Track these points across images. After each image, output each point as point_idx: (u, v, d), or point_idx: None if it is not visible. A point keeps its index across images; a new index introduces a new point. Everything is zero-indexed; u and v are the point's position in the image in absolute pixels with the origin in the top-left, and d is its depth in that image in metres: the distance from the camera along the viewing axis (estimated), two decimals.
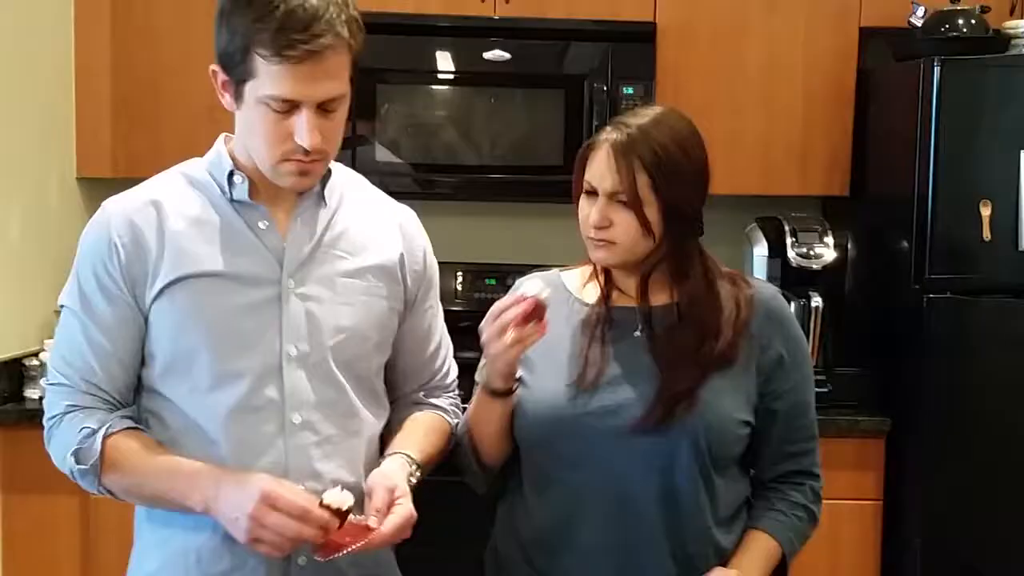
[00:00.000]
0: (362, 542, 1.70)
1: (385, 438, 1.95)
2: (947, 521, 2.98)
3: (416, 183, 3.35)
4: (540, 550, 1.93)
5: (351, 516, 1.74)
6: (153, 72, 3.31)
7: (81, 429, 1.79)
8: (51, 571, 3.07)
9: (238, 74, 1.73)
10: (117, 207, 1.84)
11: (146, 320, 1.80)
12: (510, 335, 1.79)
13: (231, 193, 1.83)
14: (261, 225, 1.83)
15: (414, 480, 1.84)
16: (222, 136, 1.89)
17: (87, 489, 1.83)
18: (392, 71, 3.27)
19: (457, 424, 2.04)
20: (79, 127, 3.35)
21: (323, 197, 1.87)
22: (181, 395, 1.80)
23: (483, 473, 2.00)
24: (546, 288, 1.81)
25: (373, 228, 1.92)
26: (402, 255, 1.93)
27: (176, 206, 1.83)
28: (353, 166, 3.21)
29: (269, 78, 1.70)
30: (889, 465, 3.10)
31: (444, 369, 2.07)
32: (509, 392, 1.90)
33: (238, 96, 1.76)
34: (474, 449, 1.98)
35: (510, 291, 1.96)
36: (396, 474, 1.82)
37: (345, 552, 1.70)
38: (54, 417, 1.83)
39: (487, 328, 1.82)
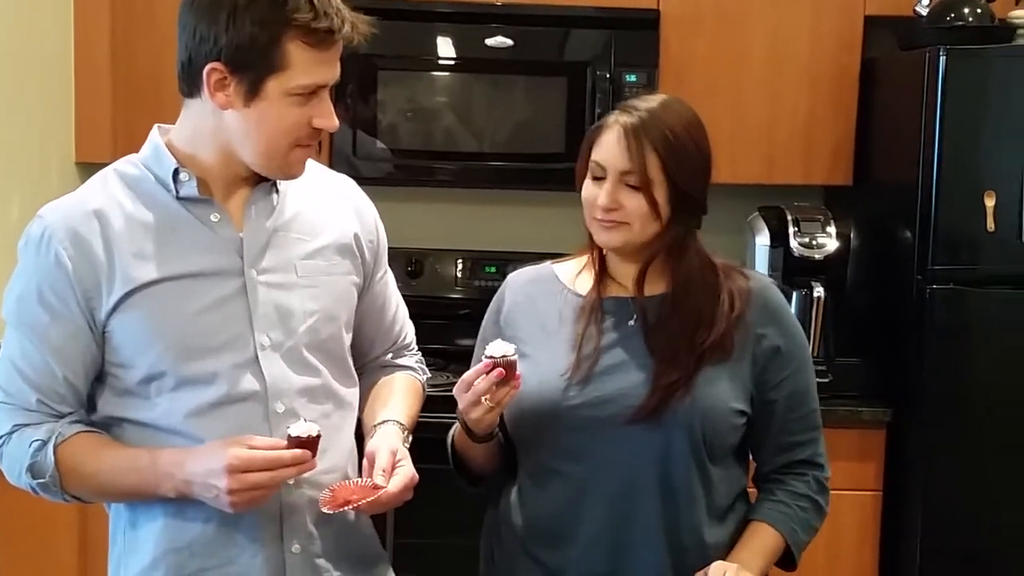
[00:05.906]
0: (370, 498, 1.73)
1: (360, 403, 1.97)
2: (947, 512, 2.97)
3: (417, 170, 3.31)
4: (539, 541, 1.93)
5: (357, 479, 1.79)
6: (152, 57, 3.28)
7: (32, 443, 1.74)
8: (49, 573, 3.02)
9: (260, 69, 1.68)
10: (57, 217, 1.76)
11: (104, 331, 1.74)
12: (485, 402, 1.80)
13: (177, 191, 1.77)
14: (213, 218, 1.78)
15: (407, 445, 1.87)
16: (155, 128, 1.83)
17: (54, 501, 1.79)
18: (393, 57, 3.26)
19: (426, 378, 2.10)
20: (78, 112, 3.33)
21: (275, 184, 1.83)
22: (160, 398, 1.76)
23: (475, 488, 2.04)
24: (511, 345, 1.81)
25: (325, 206, 1.90)
26: (357, 230, 1.92)
27: (119, 210, 1.75)
28: (354, 152, 3.24)
29: (304, 67, 1.68)
30: (889, 456, 3.09)
31: (404, 331, 2.10)
32: (491, 438, 1.92)
33: (253, 93, 1.69)
34: (462, 471, 2.02)
35: (478, 343, 2.01)
36: (394, 439, 1.84)
37: (352, 507, 1.72)
38: (2, 436, 1.77)
39: (460, 398, 1.83)
